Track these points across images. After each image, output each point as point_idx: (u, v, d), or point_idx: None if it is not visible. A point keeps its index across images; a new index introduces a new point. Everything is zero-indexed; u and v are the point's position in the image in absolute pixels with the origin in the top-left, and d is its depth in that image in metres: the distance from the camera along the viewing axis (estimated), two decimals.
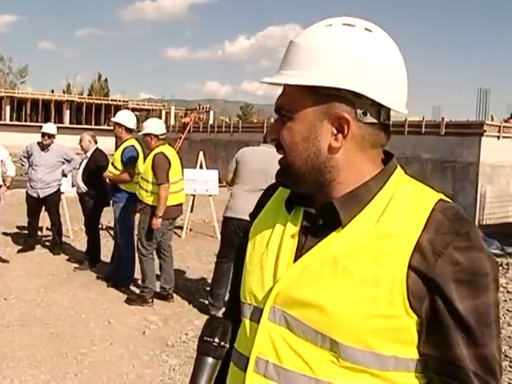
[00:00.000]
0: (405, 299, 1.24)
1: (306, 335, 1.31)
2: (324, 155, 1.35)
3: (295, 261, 1.38)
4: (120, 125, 8.31)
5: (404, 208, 1.31)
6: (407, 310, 1.24)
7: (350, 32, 1.33)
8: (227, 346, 1.38)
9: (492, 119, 23.71)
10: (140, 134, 7.80)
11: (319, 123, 1.33)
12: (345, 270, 1.29)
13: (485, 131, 20.08)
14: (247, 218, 5.94)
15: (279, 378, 1.34)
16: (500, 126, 21.27)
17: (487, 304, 1.26)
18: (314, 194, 1.41)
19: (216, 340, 1.35)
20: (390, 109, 1.36)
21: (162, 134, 7.66)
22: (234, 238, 6.60)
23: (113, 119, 8.62)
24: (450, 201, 1.35)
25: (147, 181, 7.36)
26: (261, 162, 6.68)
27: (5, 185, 9.53)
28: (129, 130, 8.32)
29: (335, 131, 1.33)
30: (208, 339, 1.35)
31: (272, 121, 29.37)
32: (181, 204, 7.92)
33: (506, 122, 24.43)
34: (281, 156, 1.41)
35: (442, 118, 22.20)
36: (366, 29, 1.34)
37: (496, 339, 1.28)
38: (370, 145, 1.36)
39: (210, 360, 1.34)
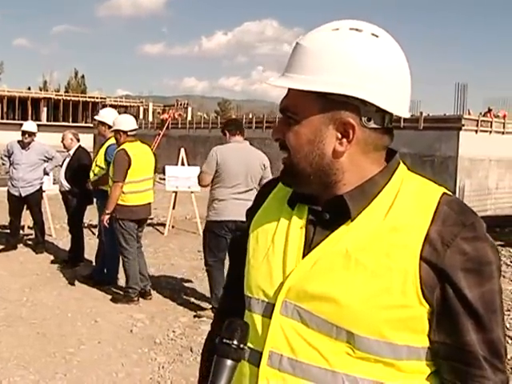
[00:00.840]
0: (418, 289, 1.29)
1: (321, 328, 1.34)
2: (328, 158, 1.38)
3: (304, 255, 1.41)
4: (103, 123, 8.26)
5: (411, 202, 1.36)
6: (420, 300, 1.29)
7: (358, 37, 1.35)
8: (246, 348, 1.39)
9: (469, 113, 23.89)
10: (110, 130, 7.76)
11: (325, 128, 1.36)
12: (357, 263, 1.33)
13: (463, 125, 20.29)
14: (242, 218, 5.92)
15: (295, 370, 1.36)
16: (478, 121, 21.50)
17: (493, 291, 1.32)
18: (318, 193, 1.44)
19: (235, 342, 1.35)
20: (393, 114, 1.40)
21: (131, 131, 7.50)
22: (225, 240, 6.64)
23: (96, 117, 8.57)
24: (452, 194, 1.41)
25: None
26: (242, 160, 6.67)
27: None
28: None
29: (340, 136, 1.37)
30: (227, 341, 1.36)
31: (250, 116, 29.38)
32: (147, 204, 7.69)
33: (484, 115, 24.66)
34: (284, 155, 1.44)
35: (421, 113, 22.38)
36: (372, 34, 1.36)
37: (501, 324, 1.35)
38: (373, 148, 1.40)
39: (228, 362, 1.34)
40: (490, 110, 27.86)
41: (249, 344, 1.44)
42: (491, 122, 22.39)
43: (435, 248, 1.29)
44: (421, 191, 1.39)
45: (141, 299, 7.51)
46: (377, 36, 1.36)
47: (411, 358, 1.34)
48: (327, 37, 1.36)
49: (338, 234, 1.38)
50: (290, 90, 1.40)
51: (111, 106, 66.40)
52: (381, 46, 1.35)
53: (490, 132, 22.01)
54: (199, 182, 6.90)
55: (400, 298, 1.29)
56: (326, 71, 1.33)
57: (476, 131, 21.16)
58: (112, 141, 7.99)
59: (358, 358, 1.32)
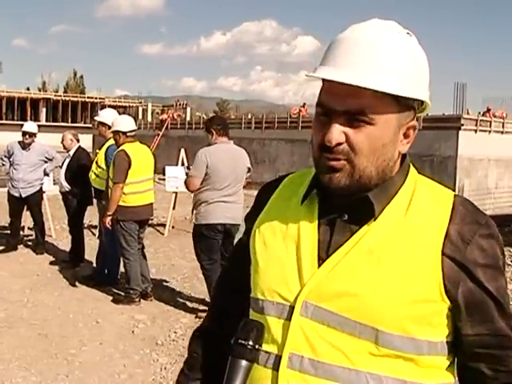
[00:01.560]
0: (440, 284, 1.34)
1: (343, 327, 1.35)
2: (393, 161, 1.42)
3: (319, 256, 1.41)
4: (104, 124, 8.26)
5: (427, 201, 1.42)
6: (442, 295, 1.34)
7: (415, 43, 1.41)
8: (262, 348, 1.38)
9: (468, 113, 23.90)
10: (109, 131, 7.75)
11: (398, 130, 1.40)
12: (380, 261, 1.35)
13: (462, 125, 20.30)
14: (235, 221, 5.92)
15: (317, 371, 1.36)
16: (477, 120, 21.51)
17: (504, 286, 1.42)
18: (350, 193, 1.41)
19: (250, 343, 1.35)
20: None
21: (130, 131, 7.50)
22: (217, 242, 6.66)
23: (96, 118, 8.56)
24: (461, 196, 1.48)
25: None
26: (231, 162, 6.61)
27: None
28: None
29: (402, 137, 1.42)
30: (242, 342, 1.35)
31: (249, 116, 29.27)
32: (149, 205, 7.70)
33: (483, 115, 24.66)
34: (338, 161, 1.36)
35: None
36: (417, 40, 1.42)
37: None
38: None
39: (243, 363, 1.34)
40: (489, 110, 27.89)
41: (265, 348, 1.44)
42: (490, 122, 22.40)
43: (456, 244, 1.35)
44: (435, 192, 1.46)
45: (142, 300, 7.49)
46: (417, 40, 1.43)
47: (431, 352, 1.38)
48: (397, 40, 1.36)
49: (359, 234, 1.40)
50: (358, 90, 1.31)
51: (110, 106, 66.35)
52: (422, 50, 1.43)
53: (490, 132, 22.03)
54: (188, 187, 6.71)
55: (423, 292, 1.33)
56: (406, 75, 1.35)
57: (475, 131, 21.18)
58: (112, 141, 7.97)
59: (381, 355, 1.34)
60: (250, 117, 33.86)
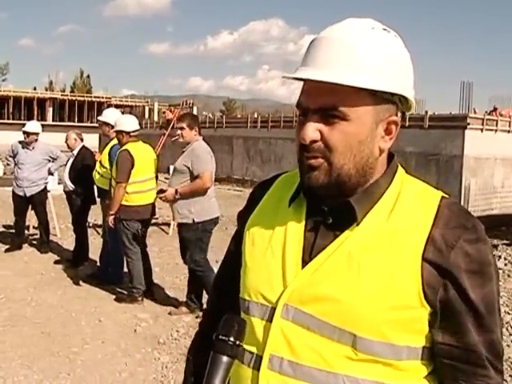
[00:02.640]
0: (420, 290, 1.30)
1: (322, 330, 1.35)
2: (373, 157, 1.39)
3: (303, 259, 1.40)
4: (107, 123, 8.28)
5: (412, 204, 1.38)
6: (421, 301, 1.31)
7: (391, 37, 1.38)
8: (243, 345, 1.39)
9: (474, 112, 23.81)
10: (112, 131, 7.77)
11: (375, 126, 1.37)
12: (360, 265, 1.33)
13: (468, 124, 20.19)
14: (218, 214, 5.90)
15: (295, 373, 1.37)
16: (483, 119, 21.39)
17: (493, 292, 1.35)
18: (332, 193, 1.40)
19: (231, 339, 1.35)
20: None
21: (134, 131, 7.52)
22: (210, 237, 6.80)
23: (99, 118, 8.59)
24: (450, 197, 1.43)
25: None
26: (211, 159, 6.76)
27: None
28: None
29: (383, 133, 1.39)
30: (223, 338, 1.36)
31: (255, 115, 29.21)
32: (152, 204, 7.69)
33: (489, 114, 24.56)
34: (316, 159, 1.36)
35: (426, 112, 22.30)
36: (395, 35, 1.39)
37: (499, 325, 1.37)
38: None
39: (224, 359, 1.35)
40: (495, 109, 27.78)
41: (248, 347, 1.46)
42: (497, 121, 22.30)
43: (439, 249, 1.31)
44: (421, 194, 1.42)
45: (145, 299, 7.51)
46: (397, 37, 1.40)
47: (411, 357, 1.35)
48: (372, 36, 1.35)
49: (341, 237, 1.38)
50: (333, 87, 1.31)
51: (116, 105, 66.54)
52: (403, 45, 1.41)
53: (496, 131, 21.91)
54: (206, 184, 6.57)
55: (403, 298, 1.31)
56: (379, 70, 1.33)
57: (481, 130, 21.06)
58: (116, 141, 8.00)
59: (359, 359, 1.33)
60: (256, 116, 33.81)
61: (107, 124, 8.29)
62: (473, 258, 1.32)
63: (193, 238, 6.73)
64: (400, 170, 1.47)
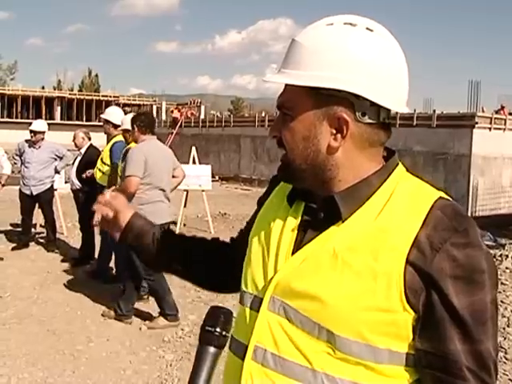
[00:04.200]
0: (401, 293, 1.26)
1: (304, 326, 1.34)
2: (323, 154, 1.38)
3: (293, 253, 1.41)
4: (108, 121, 8.30)
5: (403, 204, 1.34)
6: (404, 305, 1.26)
7: (351, 32, 1.34)
8: (229, 335, 1.40)
9: (483, 111, 23.74)
10: (119, 129, 7.79)
11: (319, 123, 1.36)
12: (344, 263, 1.31)
13: (476, 123, 20.15)
14: (170, 219, 5.82)
15: (276, 366, 1.36)
16: (491, 118, 21.34)
17: (484, 301, 1.27)
18: (315, 189, 1.44)
19: (218, 329, 1.36)
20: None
21: None
22: None
23: (102, 116, 8.61)
24: (450, 198, 1.37)
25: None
26: (165, 159, 6.65)
27: (0, 182, 9.56)
28: (117, 127, 8.19)
29: (334, 131, 1.36)
30: (210, 329, 1.37)
31: (263, 114, 29.27)
32: None
33: (497, 112, 24.48)
34: (283, 152, 1.44)
35: (434, 111, 22.28)
36: (367, 28, 1.35)
37: (492, 337, 1.30)
38: (368, 144, 1.39)
39: (211, 349, 1.35)
40: (503, 108, 27.69)
41: (238, 338, 1.47)
42: (505, 120, 22.23)
43: (423, 252, 1.26)
44: (416, 194, 1.37)
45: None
46: (371, 30, 1.35)
47: (393, 362, 1.31)
48: (321, 32, 1.36)
49: (327, 234, 1.37)
50: (286, 86, 1.41)
51: (124, 104, 66.76)
52: (375, 40, 1.35)
53: (504, 130, 21.85)
54: (128, 189, 6.17)
55: (383, 301, 1.27)
56: (319, 66, 1.33)
57: (490, 129, 21.00)
58: (117, 139, 8.05)
59: (339, 358, 1.31)
60: (263, 115, 33.82)
61: (109, 122, 8.31)
62: (460, 263, 1.25)
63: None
64: (399, 168, 1.45)
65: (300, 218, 1.46)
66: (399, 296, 1.26)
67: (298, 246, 1.41)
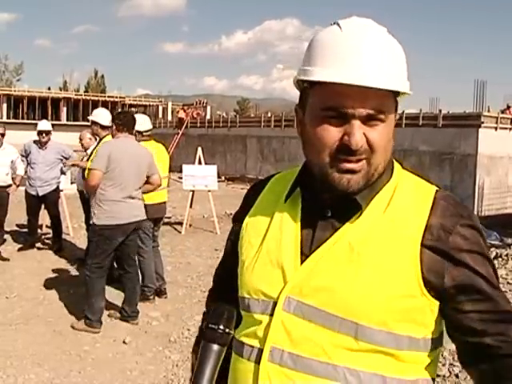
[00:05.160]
0: (419, 277, 1.35)
1: (324, 321, 1.37)
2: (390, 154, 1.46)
3: (303, 252, 1.43)
4: (96, 123, 8.27)
5: (409, 197, 1.44)
6: (422, 290, 1.35)
7: (391, 37, 1.42)
8: (232, 332, 1.40)
9: (488, 110, 23.68)
10: (101, 130, 7.82)
11: (394, 124, 1.44)
12: (360, 255, 1.37)
13: (482, 123, 20.11)
14: (133, 219, 5.76)
15: (296, 365, 1.38)
16: (497, 117, 21.29)
17: (491, 272, 1.42)
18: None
19: (221, 327, 1.37)
20: None
21: (146, 131, 7.66)
22: (116, 244, 6.42)
23: (89, 117, 8.59)
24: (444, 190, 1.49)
25: None
26: (135, 159, 6.42)
27: (15, 183, 9.62)
28: (105, 128, 8.12)
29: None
30: (213, 326, 1.38)
31: (269, 115, 29.21)
32: (163, 203, 7.78)
33: (502, 112, 24.43)
34: (359, 162, 1.38)
35: (440, 110, 22.23)
36: (388, 32, 1.42)
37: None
38: None
39: (215, 347, 1.36)
40: (508, 107, 27.63)
41: (249, 342, 1.47)
42: (511, 119, 22.17)
43: (438, 235, 1.36)
44: (417, 187, 1.47)
45: (156, 298, 7.54)
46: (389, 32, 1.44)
47: (411, 348, 1.38)
48: (391, 38, 1.41)
49: (342, 230, 1.41)
50: (376, 90, 1.33)
51: (130, 105, 66.78)
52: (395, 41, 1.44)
53: (510, 129, 21.79)
54: (89, 182, 6.30)
55: (402, 287, 1.34)
56: (403, 71, 1.42)
57: (495, 128, 20.95)
58: (106, 139, 8.02)
59: (360, 350, 1.35)
60: (269, 115, 33.81)
61: (96, 123, 8.27)
62: (471, 241, 1.38)
63: (91, 240, 6.51)
64: (396, 164, 1.52)
65: (300, 216, 1.49)
66: (417, 280, 1.34)
67: (310, 245, 1.43)
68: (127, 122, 6.65)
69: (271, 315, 1.43)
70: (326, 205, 1.45)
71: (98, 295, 6.43)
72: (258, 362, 1.43)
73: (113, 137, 6.76)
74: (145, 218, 6.63)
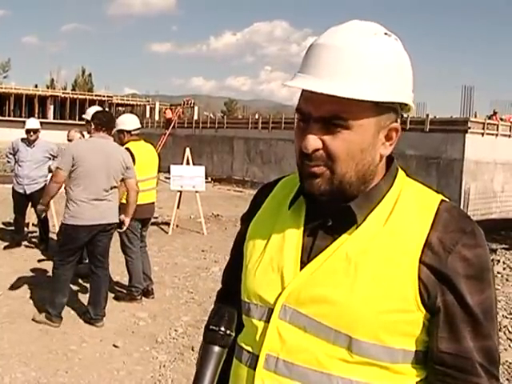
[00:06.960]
0: (416, 293, 1.30)
1: (318, 332, 1.35)
2: (374, 164, 1.40)
3: (302, 260, 1.41)
4: (89, 122, 8.26)
5: (410, 208, 1.38)
6: (418, 305, 1.31)
7: (393, 43, 1.36)
8: (233, 334, 1.40)
9: (475, 116, 23.83)
10: (113, 131, 7.79)
11: (376, 134, 1.37)
12: (357, 267, 1.34)
13: (469, 128, 20.22)
14: (98, 222, 5.75)
15: (291, 374, 1.37)
16: (484, 123, 21.43)
17: (491, 298, 1.35)
18: (332, 198, 1.40)
19: (222, 329, 1.37)
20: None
21: (134, 130, 7.62)
22: (82, 243, 6.38)
23: (83, 116, 8.55)
24: (450, 201, 1.42)
25: None
26: (106, 161, 6.29)
27: None
28: (129, 133, 8.07)
29: (384, 140, 1.39)
30: (214, 328, 1.38)
31: (256, 116, 29.21)
32: (151, 204, 7.76)
33: (489, 118, 24.58)
34: (318, 167, 1.35)
35: (427, 115, 22.32)
36: (385, 33, 1.37)
37: (496, 331, 1.36)
38: None
39: (216, 349, 1.36)
40: (495, 113, 27.79)
41: (247, 347, 1.47)
42: (498, 125, 22.32)
43: (437, 253, 1.31)
44: (420, 197, 1.42)
45: (143, 298, 7.52)
46: (389, 36, 1.37)
47: (406, 361, 1.36)
48: (371, 43, 1.32)
49: (340, 240, 1.39)
50: (334, 96, 1.29)
51: (118, 104, 66.63)
52: (403, 49, 1.39)
53: (497, 135, 21.93)
54: (53, 179, 6.35)
55: (399, 302, 1.31)
56: (384, 78, 1.32)
57: (482, 134, 21.08)
58: (129, 145, 8.00)
59: (354, 362, 1.34)
60: (257, 117, 33.84)
61: (89, 122, 8.26)
62: (471, 263, 1.31)
63: (58, 237, 6.51)
64: (400, 172, 1.47)
65: (303, 224, 1.46)
66: (414, 296, 1.31)
67: (309, 253, 1.42)
68: (106, 121, 6.57)
69: (267, 322, 1.42)
70: (327, 213, 1.42)
71: (60, 291, 6.42)
72: (254, 368, 1.43)
73: (90, 137, 6.73)
74: (117, 221, 6.50)
